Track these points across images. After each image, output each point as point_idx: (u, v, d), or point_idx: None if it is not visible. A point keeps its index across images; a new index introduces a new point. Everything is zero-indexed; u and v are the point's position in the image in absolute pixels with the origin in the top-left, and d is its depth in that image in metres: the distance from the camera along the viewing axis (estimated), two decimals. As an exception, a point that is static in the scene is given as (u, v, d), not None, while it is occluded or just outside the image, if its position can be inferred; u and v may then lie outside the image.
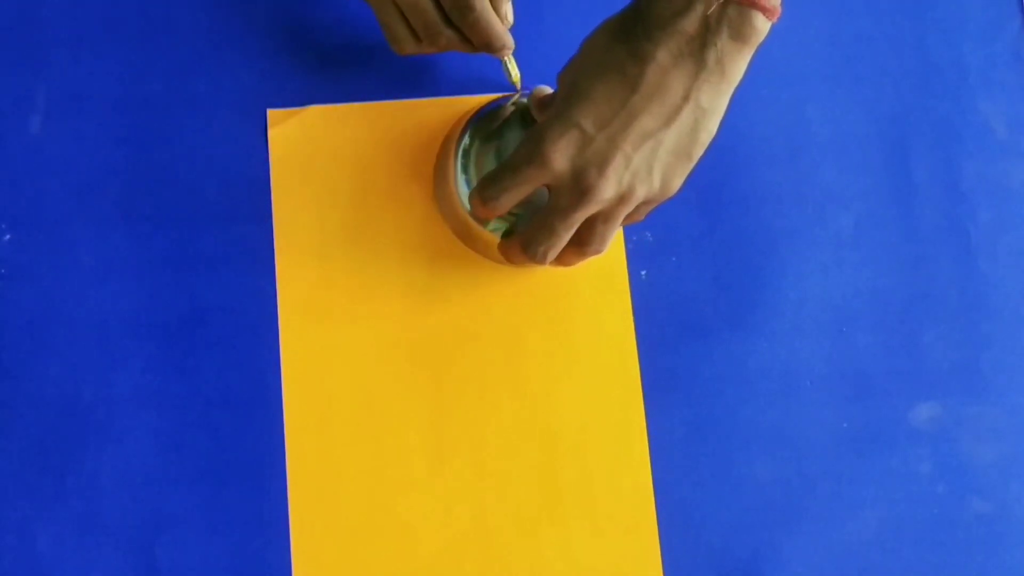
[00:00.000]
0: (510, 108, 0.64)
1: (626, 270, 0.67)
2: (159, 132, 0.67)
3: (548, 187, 0.56)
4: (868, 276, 0.69)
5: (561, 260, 0.59)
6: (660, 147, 0.53)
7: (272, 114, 0.68)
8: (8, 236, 0.65)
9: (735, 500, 0.65)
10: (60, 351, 0.64)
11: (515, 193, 0.56)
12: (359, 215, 0.66)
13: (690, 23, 0.50)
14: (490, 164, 0.63)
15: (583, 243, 0.57)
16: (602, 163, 0.52)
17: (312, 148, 0.67)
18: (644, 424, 0.65)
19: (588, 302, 0.66)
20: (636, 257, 0.67)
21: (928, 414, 0.67)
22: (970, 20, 0.73)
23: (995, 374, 0.68)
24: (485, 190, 0.57)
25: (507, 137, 0.63)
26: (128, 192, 0.66)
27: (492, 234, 0.63)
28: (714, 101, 0.52)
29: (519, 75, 0.65)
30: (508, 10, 0.62)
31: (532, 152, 0.53)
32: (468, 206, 0.62)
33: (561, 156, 0.53)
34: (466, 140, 0.63)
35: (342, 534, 0.63)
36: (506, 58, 0.64)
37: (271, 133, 0.67)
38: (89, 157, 0.67)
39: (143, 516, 0.62)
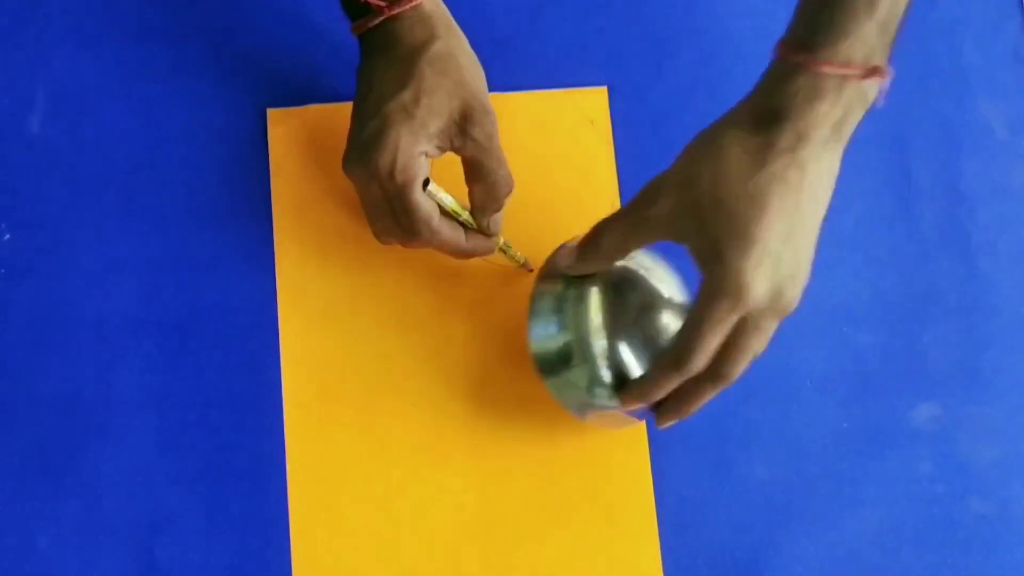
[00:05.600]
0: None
1: (626, 270, 0.67)
2: (159, 132, 0.67)
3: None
4: (868, 276, 0.69)
5: (692, 398, 0.56)
6: (814, 231, 0.53)
7: (272, 114, 0.68)
8: (8, 236, 0.65)
9: (735, 500, 0.65)
10: (60, 351, 0.64)
11: (715, 346, 0.53)
12: (359, 215, 0.65)
13: (837, 112, 0.51)
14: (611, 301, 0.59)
15: (735, 361, 0.54)
16: (795, 276, 0.51)
17: (312, 148, 0.67)
18: (644, 424, 0.65)
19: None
20: (636, 257, 0.67)
21: (928, 414, 0.67)
22: (970, 20, 0.73)
23: (995, 374, 0.68)
24: (687, 357, 0.53)
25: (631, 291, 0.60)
26: (128, 192, 0.66)
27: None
28: (839, 161, 0.53)
29: (521, 256, 0.65)
30: (494, 222, 0.62)
31: (732, 291, 0.50)
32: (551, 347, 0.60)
33: (760, 281, 0.50)
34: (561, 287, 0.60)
35: (342, 534, 0.63)
36: (497, 252, 0.64)
37: (271, 133, 0.67)
38: (89, 157, 0.67)
39: (143, 516, 0.62)
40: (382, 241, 0.63)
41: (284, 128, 0.67)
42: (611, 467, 0.65)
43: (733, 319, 0.52)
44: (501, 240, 0.64)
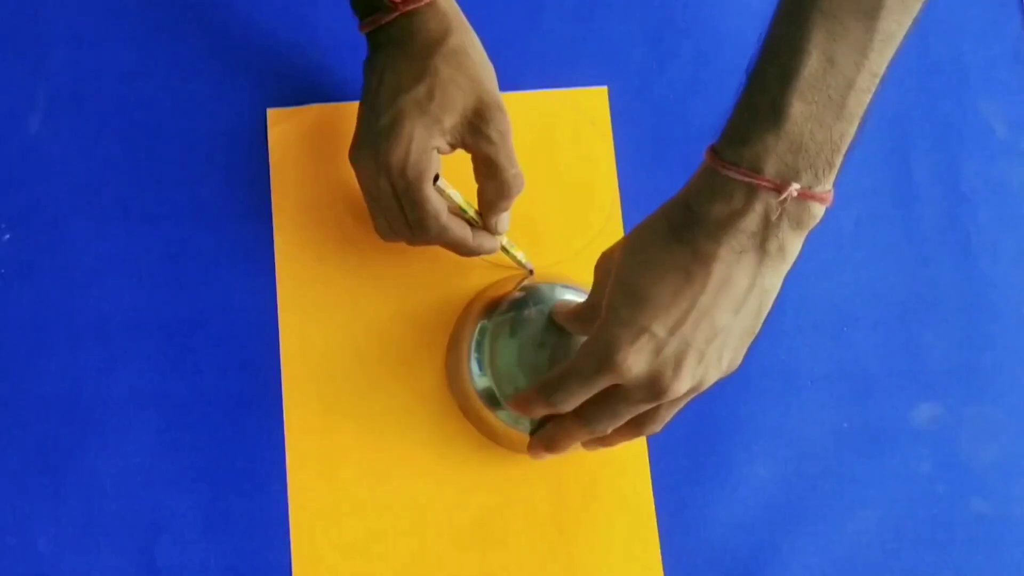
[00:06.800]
0: (518, 293, 0.64)
1: (626, 270, 0.67)
2: (159, 132, 0.67)
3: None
4: (868, 276, 0.69)
5: (609, 440, 0.58)
6: (729, 335, 0.52)
7: (272, 114, 0.68)
8: (8, 236, 0.65)
9: (735, 500, 0.65)
10: (60, 351, 0.64)
11: (582, 396, 0.55)
12: (359, 214, 0.65)
13: (751, 221, 0.50)
14: (506, 345, 0.62)
15: (642, 425, 0.56)
16: (677, 363, 0.51)
17: (312, 148, 0.67)
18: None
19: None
20: (636, 257, 0.67)
21: (928, 414, 0.67)
22: (970, 20, 0.73)
23: (995, 374, 0.68)
24: (552, 393, 0.55)
25: (523, 318, 0.63)
26: (128, 192, 0.66)
27: (505, 424, 0.63)
28: (775, 281, 0.52)
29: (523, 257, 0.65)
30: (501, 220, 0.62)
31: (603, 360, 0.52)
32: (478, 386, 0.62)
33: (635, 362, 0.51)
34: (481, 323, 0.63)
35: (342, 534, 0.63)
36: (500, 251, 0.64)
37: (271, 133, 0.67)
38: (89, 157, 0.67)
39: (143, 516, 0.62)
40: (385, 238, 0.62)
41: (284, 128, 0.67)
42: (610, 467, 0.65)
43: (603, 380, 0.53)
44: (505, 239, 0.64)
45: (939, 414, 0.67)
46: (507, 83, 0.65)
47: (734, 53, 0.72)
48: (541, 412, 0.57)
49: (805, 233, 0.51)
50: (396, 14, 0.59)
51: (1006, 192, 0.71)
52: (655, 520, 0.64)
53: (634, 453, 0.65)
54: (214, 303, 0.65)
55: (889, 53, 0.50)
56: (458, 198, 0.60)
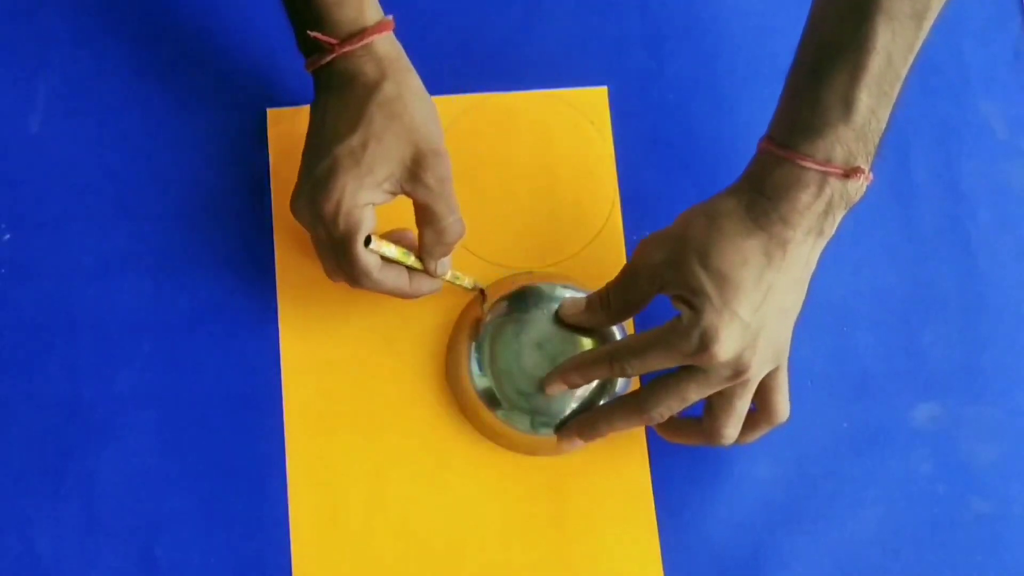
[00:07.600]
0: (515, 295, 0.64)
1: (626, 270, 0.67)
2: (159, 132, 0.67)
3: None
4: (868, 276, 0.69)
5: (677, 437, 0.62)
6: (788, 312, 0.57)
7: (272, 114, 0.68)
8: (8, 236, 0.65)
9: (735, 500, 0.65)
10: (60, 351, 0.64)
11: (657, 369, 0.57)
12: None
13: (820, 205, 0.55)
14: (506, 345, 0.63)
15: (717, 428, 0.59)
16: (754, 344, 0.55)
17: (312, 148, 0.67)
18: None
19: (588, 302, 0.66)
20: (636, 257, 0.67)
21: (928, 414, 0.67)
22: (970, 20, 0.73)
23: (995, 374, 0.68)
24: (627, 359, 0.58)
25: (523, 318, 0.63)
26: (128, 192, 0.66)
27: (496, 419, 0.63)
28: (817, 256, 0.57)
29: (470, 281, 0.64)
30: (441, 264, 0.61)
31: (701, 346, 0.54)
32: (478, 386, 0.63)
33: (728, 348, 0.55)
34: (481, 323, 0.63)
35: (342, 534, 0.63)
36: (446, 284, 0.63)
37: (271, 133, 0.67)
38: (89, 157, 0.67)
39: (143, 516, 0.62)
40: (332, 279, 0.62)
41: (284, 128, 0.67)
42: (610, 467, 0.65)
43: (689, 361, 0.56)
44: (448, 274, 0.62)
45: (939, 414, 0.67)
46: (507, 83, 0.65)
47: (734, 53, 0.72)
48: (592, 379, 0.60)
49: (849, 210, 0.56)
50: (333, 55, 0.58)
51: (1006, 192, 0.71)
52: (655, 520, 0.64)
53: (634, 453, 0.65)
54: (214, 303, 0.65)
55: (920, 46, 0.56)
56: (393, 253, 0.59)
